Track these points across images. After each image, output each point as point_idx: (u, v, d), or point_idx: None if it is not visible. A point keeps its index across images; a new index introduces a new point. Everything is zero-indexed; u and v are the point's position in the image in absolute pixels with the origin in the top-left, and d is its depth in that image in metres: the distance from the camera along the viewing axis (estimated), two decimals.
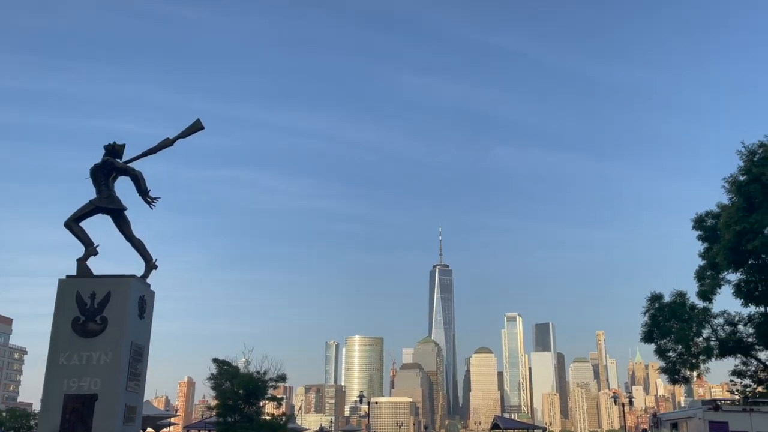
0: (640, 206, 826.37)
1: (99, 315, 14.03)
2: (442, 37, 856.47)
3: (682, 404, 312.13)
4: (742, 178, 29.23)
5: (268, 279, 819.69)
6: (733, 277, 31.43)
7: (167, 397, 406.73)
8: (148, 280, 15.61)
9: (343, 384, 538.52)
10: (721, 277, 31.56)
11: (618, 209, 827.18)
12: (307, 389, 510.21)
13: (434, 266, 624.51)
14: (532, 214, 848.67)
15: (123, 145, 16.32)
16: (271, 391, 44.60)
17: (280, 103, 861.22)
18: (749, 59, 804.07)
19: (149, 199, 16.11)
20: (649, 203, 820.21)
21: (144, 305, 15.03)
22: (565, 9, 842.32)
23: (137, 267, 15.77)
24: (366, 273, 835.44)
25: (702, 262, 33.03)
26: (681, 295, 33.63)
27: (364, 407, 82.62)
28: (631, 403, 74.91)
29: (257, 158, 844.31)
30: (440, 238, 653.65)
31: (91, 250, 15.28)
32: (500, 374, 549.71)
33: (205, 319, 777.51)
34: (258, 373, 43.35)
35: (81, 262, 15.02)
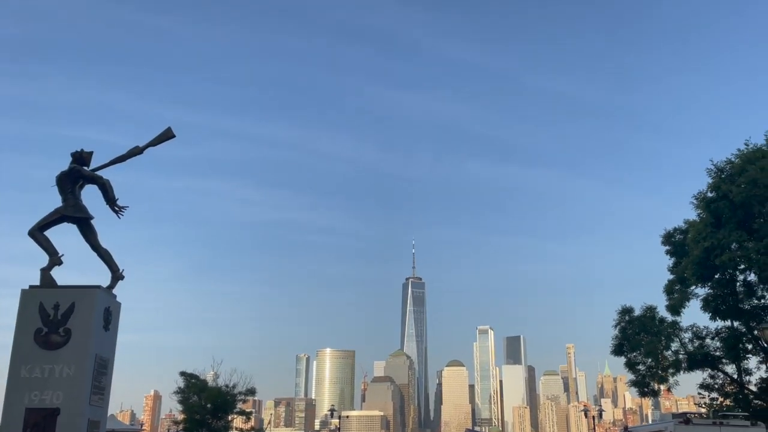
0: (610, 221, 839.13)
1: (62, 326, 13.65)
2: (416, 51, 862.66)
3: (650, 417, 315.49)
4: (710, 195, 29.88)
5: (239, 290, 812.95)
6: (702, 291, 31.99)
7: (132, 410, 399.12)
8: (115, 291, 15.26)
9: (313, 397, 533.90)
10: (689, 291, 32.03)
11: (589, 224, 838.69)
12: (277, 403, 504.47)
13: (407, 279, 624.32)
14: (505, 228, 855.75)
15: (91, 153, 15.97)
16: (240, 405, 43.93)
17: (255, 113, 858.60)
18: (720, 76, 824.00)
19: (117, 208, 15.78)
20: (620, 219, 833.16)
21: (109, 317, 14.65)
22: (538, 26, 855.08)
23: (103, 277, 15.44)
24: (338, 285, 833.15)
25: (671, 277, 33.52)
26: (651, 309, 34.06)
27: (335, 421, 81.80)
28: (601, 415, 75.34)
29: (231, 168, 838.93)
30: (413, 250, 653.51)
31: (55, 259, 14.88)
32: (471, 387, 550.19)
33: (173, 331, 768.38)
34: (227, 386, 42.68)
35: (45, 272, 14.62)
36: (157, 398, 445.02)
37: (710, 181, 30.28)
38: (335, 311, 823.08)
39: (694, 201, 31.13)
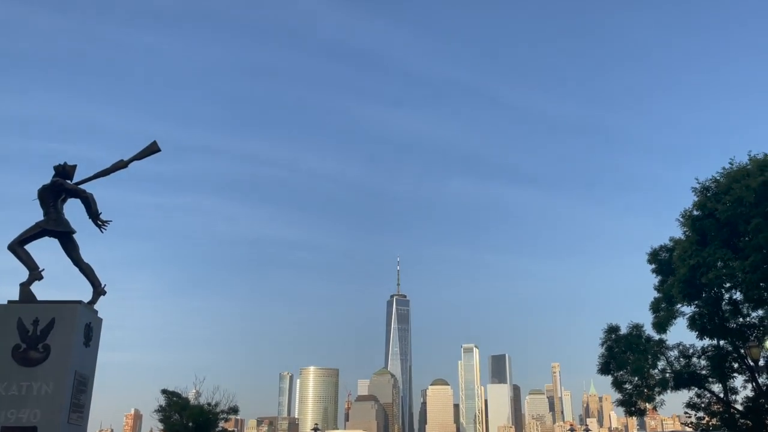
0: (596, 240, 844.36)
1: (41, 342, 13.36)
2: (402, 70, 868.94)
3: None
4: (696, 213, 30.05)
5: (223, 307, 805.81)
6: (688, 309, 32.07)
7: (112, 430, 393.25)
8: (96, 307, 14.96)
9: (296, 416, 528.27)
10: (675, 309, 32.09)
11: (575, 243, 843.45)
12: (260, 422, 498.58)
13: (392, 296, 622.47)
14: (490, 246, 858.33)
15: (74, 166, 15.74)
16: (222, 424, 43.21)
17: (240, 131, 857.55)
18: (706, 98, 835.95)
19: (100, 222, 15.56)
20: (606, 238, 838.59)
21: (90, 333, 14.35)
22: (524, 47, 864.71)
23: (85, 293, 15.14)
24: (322, 302, 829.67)
25: (657, 295, 33.56)
26: (637, 327, 34.09)
27: None
28: None
29: (216, 185, 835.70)
30: (398, 267, 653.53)
31: (35, 274, 14.60)
32: (456, 406, 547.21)
33: (155, 349, 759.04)
34: (209, 405, 41.97)
35: (24, 287, 14.33)
36: (137, 417, 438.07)
37: (696, 199, 30.49)
38: (319, 329, 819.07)
39: (680, 219, 31.30)
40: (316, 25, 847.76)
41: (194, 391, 43.97)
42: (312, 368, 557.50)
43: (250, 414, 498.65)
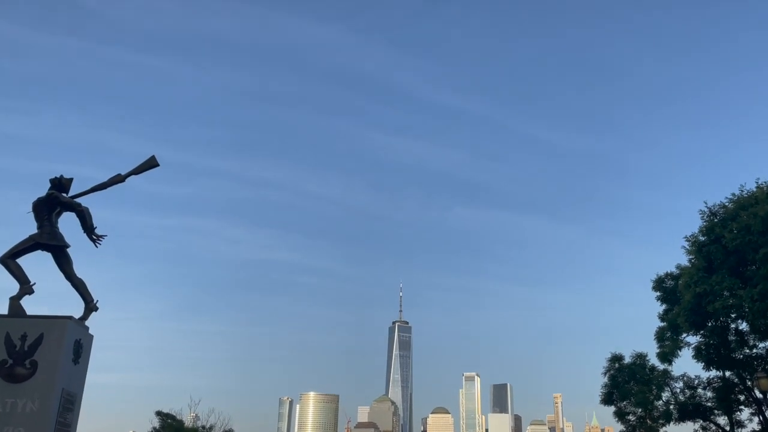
0: (598, 269, 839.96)
1: (29, 358, 12.99)
2: (406, 97, 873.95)
3: None
4: (702, 239, 29.36)
5: (224, 330, 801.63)
6: (693, 339, 31.44)
7: None
8: (90, 324, 14.60)
9: None
10: (680, 339, 31.47)
11: (580, 272, 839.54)
12: None
13: (394, 322, 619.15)
14: (493, 274, 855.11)
15: (70, 180, 15.49)
16: None
17: (245, 154, 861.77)
18: (709, 129, 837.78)
19: (95, 237, 15.28)
20: (611, 267, 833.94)
21: (80, 349, 13.96)
22: (528, 75, 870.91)
23: (77, 309, 14.79)
24: (323, 327, 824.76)
25: (662, 324, 32.95)
26: (641, 357, 33.49)
27: None
28: None
29: (219, 208, 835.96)
30: (401, 294, 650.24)
31: (26, 288, 14.27)
32: None
33: (156, 371, 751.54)
34: (204, 428, 41.26)
35: (14, 301, 13.99)
36: None
37: (703, 224, 29.80)
38: (320, 354, 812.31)
39: (686, 245, 30.62)
40: (323, 51, 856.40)
41: (192, 414, 43.35)
42: (312, 394, 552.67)
43: None
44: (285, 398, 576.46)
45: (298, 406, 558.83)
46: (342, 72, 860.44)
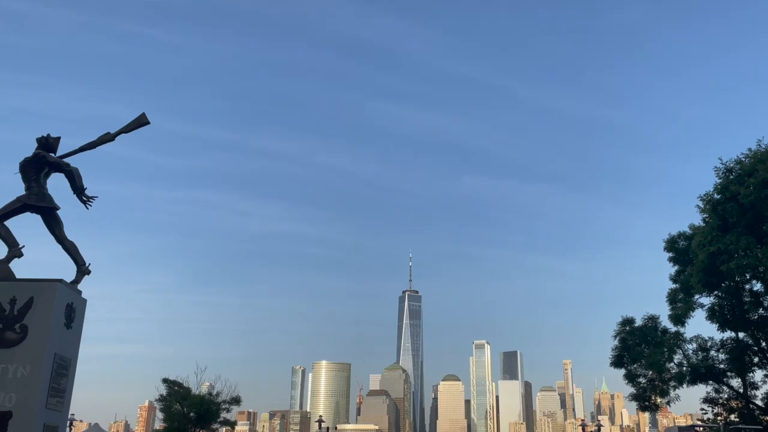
0: (611, 237, 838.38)
1: (19, 323, 12.70)
2: (415, 66, 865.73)
3: None
4: (717, 197, 28.22)
5: (236, 302, 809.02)
6: (707, 300, 30.70)
7: (126, 421, 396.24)
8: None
9: (308, 410, 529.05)
10: (693, 300, 30.78)
11: (589, 240, 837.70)
12: (272, 415, 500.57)
13: (404, 292, 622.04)
14: (502, 243, 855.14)
15: (58, 138, 14.98)
16: (224, 415, 42.18)
17: (254, 126, 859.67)
18: (722, 98, 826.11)
19: (85, 198, 14.79)
20: (621, 235, 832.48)
21: (72, 314, 13.57)
22: (539, 44, 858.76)
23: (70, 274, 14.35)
24: (335, 297, 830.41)
25: (674, 285, 32.21)
26: (653, 319, 32.86)
27: None
28: (599, 430, 73.73)
29: (229, 180, 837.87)
30: (410, 264, 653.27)
31: (15, 251, 13.85)
32: (467, 402, 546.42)
33: (171, 342, 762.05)
34: (210, 395, 41.10)
35: (2, 264, 13.62)
36: (151, 409, 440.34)
37: (718, 181, 28.66)
38: (331, 324, 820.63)
39: (700, 204, 29.62)
40: (330, 20, 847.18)
41: (207, 384, 43.10)
42: (324, 363, 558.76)
43: (262, 408, 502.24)
44: (298, 367, 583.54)
45: (310, 374, 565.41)
46: (350, 42, 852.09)
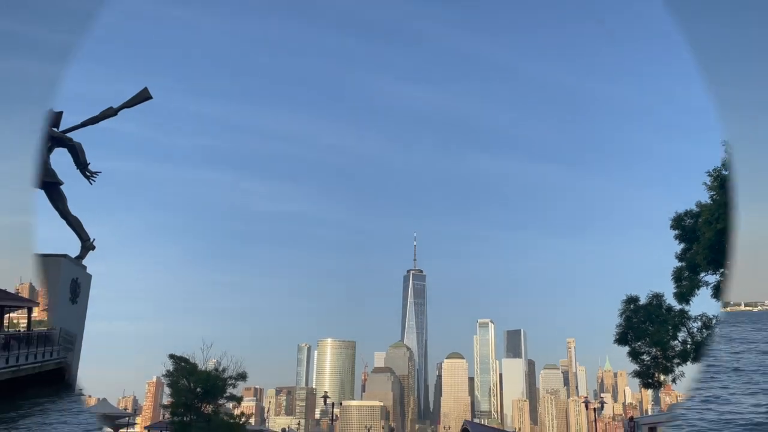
0: (615, 217, 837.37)
1: None
2: (421, 45, 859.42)
3: (650, 412, 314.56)
4: (726, 173, 27.86)
5: (242, 280, 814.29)
6: (712, 278, 30.56)
7: (135, 397, 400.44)
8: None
9: (314, 387, 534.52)
10: (699, 278, 30.69)
11: (593, 219, 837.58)
12: (278, 391, 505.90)
13: (408, 271, 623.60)
14: (507, 222, 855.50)
15: (60, 113, 14.95)
16: (230, 390, 42.71)
17: (259, 106, 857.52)
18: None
19: (88, 173, 14.78)
20: (625, 215, 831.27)
21: (77, 289, 13.62)
22: (548, 23, 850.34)
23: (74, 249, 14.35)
24: (340, 276, 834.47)
25: (679, 264, 32.10)
26: (657, 297, 32.82)
27: (336, 410, 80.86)
28: (602, 408, 74.27)
29: (235, 159, 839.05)
30: (415, 243, 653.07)
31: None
32: (471, 380, 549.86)
33: (179, 319, 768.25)
34: (216, 370, 41.57)
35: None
36: (159, 385, 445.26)
37: (726, 156, 28.25)
38: (336, 302, 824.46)
39: (708, 180, 29.22)
40: None
41: (215, 360, 43.51)
42: (329, 340, 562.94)
43: (269, 384, 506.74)
44: (303, 345, 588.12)
45: (316, 352, 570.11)
46: (354, 19, 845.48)
